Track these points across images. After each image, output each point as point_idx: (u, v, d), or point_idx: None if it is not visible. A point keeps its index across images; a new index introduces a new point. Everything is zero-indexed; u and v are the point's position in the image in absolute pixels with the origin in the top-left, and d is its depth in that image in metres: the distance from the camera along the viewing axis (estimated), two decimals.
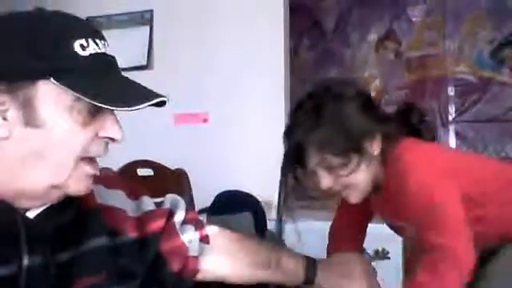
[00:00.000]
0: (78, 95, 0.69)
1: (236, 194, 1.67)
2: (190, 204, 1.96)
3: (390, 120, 1.06)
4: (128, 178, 1.79)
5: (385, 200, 1.07)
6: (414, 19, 2.74)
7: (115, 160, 1.89)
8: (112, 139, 0.77)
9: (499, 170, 1.10)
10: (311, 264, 1.03)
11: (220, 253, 1.01)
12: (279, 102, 2.67)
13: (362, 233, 1.24)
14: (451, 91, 2.68)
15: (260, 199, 1.98)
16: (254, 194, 1.94)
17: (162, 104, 0.78)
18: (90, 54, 0.72)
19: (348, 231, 1.22)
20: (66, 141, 0.72)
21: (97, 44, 0.74)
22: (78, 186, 0.75)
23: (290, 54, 2.80)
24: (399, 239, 1.97)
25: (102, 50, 0.75)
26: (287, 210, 1.15)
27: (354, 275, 1.03)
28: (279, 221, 1.14)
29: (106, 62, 0.76)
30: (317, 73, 3.16)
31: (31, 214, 0.76)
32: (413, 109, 1.10)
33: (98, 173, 0.79)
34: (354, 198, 1.05)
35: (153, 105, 0.77)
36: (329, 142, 0.99)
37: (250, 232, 1.55)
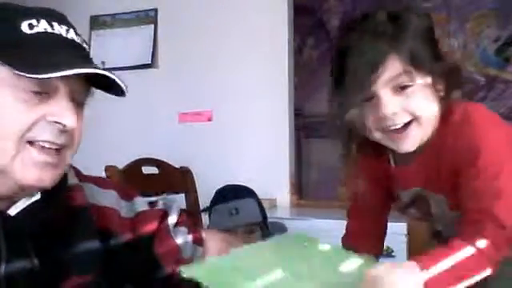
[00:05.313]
0: (11, 68, 0.68)
1: (235, 186, 1.70)
2: (194, 202, 1.97)
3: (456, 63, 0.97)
4: (133, 176, 1.79)
5: (422, 168, 0.97)
6: None
7: (120, 158, 1.90)
8: (63, 125, 0.73)
9: None
10: None
11: (213, 255, 0.99)
12: (283, 101, 2.67)
13: (379, 241, 1.16)
14: None
15: (263, 198, 1.98)
16: (258, 192, 1.94)
17: (118, 90, 0.75)
18: (37, 33, 0.71)
19: (363, 241, 1.13)
20: (7, 118, 0.70)
21: (51, 25, 0.72)
22: (24, 172, 0.71)
23: (294, 53, 2.80)
24: (404, 238, 1.97)
25: (58, 32, 0.73)
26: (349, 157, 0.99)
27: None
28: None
29: (54, 40, 0.73)
30: (321, 72, 3.15)
31: (12, 212, 0.74)
32: (458, 70, 0.98)
33: (52, 162, 0.74)
34: (413, 138, 0.90)
35: (111, 91, 0.75)
36: (418, 52, 0.86)
37: (258, 216, 1.58)
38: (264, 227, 1.58)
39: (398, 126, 0.89)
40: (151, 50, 2.86)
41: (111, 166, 1.78)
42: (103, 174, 1.70)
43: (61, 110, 0.72)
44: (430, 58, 0.88)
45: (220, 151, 2.68)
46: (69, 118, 0.73)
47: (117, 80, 0.74)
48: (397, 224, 1.50)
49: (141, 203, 0.95)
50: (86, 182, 0.88)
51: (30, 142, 0.71)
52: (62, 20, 0.75)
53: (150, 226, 0.93)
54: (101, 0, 2.96)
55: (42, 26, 0.71)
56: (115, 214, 0.90)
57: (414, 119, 0.89)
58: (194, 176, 2.05)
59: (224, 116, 2.72)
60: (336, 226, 1.29)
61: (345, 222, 1.22)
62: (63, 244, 0.78)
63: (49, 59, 0.70)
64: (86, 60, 0.76)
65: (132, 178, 1.75)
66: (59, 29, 0.73)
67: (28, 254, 0.73)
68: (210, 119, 2.76)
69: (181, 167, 2.05)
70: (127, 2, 2.92)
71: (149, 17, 2.91)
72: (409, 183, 1.03)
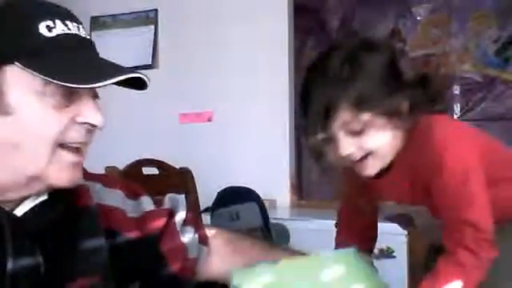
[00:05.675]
0: (43, 77, 0.67)
1: (237, 189, 1.69)
2: (194, 202, 1.97)
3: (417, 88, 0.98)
4: (133, 176, 1.79)
5: (399, 180, 1.00)
6: (418, 18, 2.73)
7: (120, 159, 1.90)
8: (92, 125, 0.73)
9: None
10: None
11: (217, 254, 1.00)
12: (283, 101, 2.67)
13: (372, 222, 1.17)
14: (456, 90, 2.66)
15: (263, 198, 1.98)
16: (258, 193, 1.94)
17: (142, 85, 0.75)
18: (58, 35, 0.69)
19: (355, 223, 1.15)
20: (39, 126, 0.69)
21: (66, 25, 0.71)
22: (59, 175, 0.71)
23: (295, 53, 2.80)
24: (404, 238, 1.97)
25: (73, 31, 0.71)
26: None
27: None
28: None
29: (75, 41, 0.72)
30: None
31: (19, 212, 0.73)
32: (429, 77, 1.00)
33: (82, 161, 0.75)
34: (371, 169, 0.95)
35: (134, 87, 0.74)
36: (368, 98, 0.89)
37: (259, 221, 1.58)
38: (265, 231, 1.58)
39: (356, 160, 0.94)
40: (151, 51, 2.87)
41: (111, 167, 1.78)
42: None
43: (88, 110, 0.72)
44: (384, 96, 0.91)
45: (220, 152, 2.68)
46: (98, 118, 0.73)
47: (144, 78, 0.74)
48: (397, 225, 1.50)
49: (147, 202, 0.94)
50: (91, 180, 0.87)
51: (61, 145, 0.71)
52: (71, 16, 0.73)
53: (157, 224, 0.93)
54: (101, 1, 2.97)
55: (59, 27, 0.70)
56: (121, 213, 0.89)
57: (370, 153, 0.94)
58: (195, 177, 2.05)
59: (224, 116, 2.72)
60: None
61: None
62: (69, 244, 0.78)
63: (85, 66, 0.70)
64: (106, 60, 0.76)
65: (132, 179, 1.74)
66: (72, 27, 0.72)
67: (34, 254, 0.72)
68: (210, 120, 2.76)
69: (181, 168, 2.05)
70: (127, 3, 2.92)
71: (149, 17, 2.91)
72: (387, 196, 1.07)
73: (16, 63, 0.67)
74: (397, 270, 1.84)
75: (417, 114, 0.95)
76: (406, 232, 1.93)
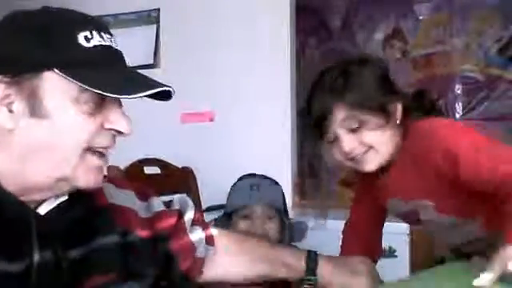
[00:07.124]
0: (82, 85, 0.69)
1: (262, 174, 1.63)
2: (196, 202, 1.97)
3: (407, 95, 1.11)
4: (135, 176, 1.80)
5: (400, 177, 1.07)
6: (420, 17, 2.73)
7: (122, 158, 1.91)
8: (118, 132, 0.76)
9: None
10: (312, 256, 1.04)
11: (222, 254, 1.02)
12: (285, 100, 2.67)
13: (377, 234, 1.25)
14: (458, 89, 2.66)
15: None
16: None
17: (167, 96, 0.77)
18: (94, 46, 0.72)
19: (362, 233, 1.22)
20: (72, 131, 0.72)
21: (101, 37, 0.74)
22: (86, 178, 0.75)
23: (297, 53, 2.80)
24: (406, 237, 1.97)
25: (107, 43, 0.75)
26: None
27: (358, 272, 1.04)
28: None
29: (110, 53, 0.75)
30: None
31: (42, 211, 0.76)
32: (425, 93, 1.14)
33: (106, 165, 0.78)
34: (372, 163, 1.06)
35: (158, 97, 0.76)
36: (359, 100, 1.03)
37: (279, 202, 1.51)
38: (284, 217, 1.51)
39: (358, 156, 1.06)
40: (153, 50, 2.87)
41: (113, 166, 1.78)
42: None
43: (116, 116, 0.75)
44: (373, 98, 1.04)
45: (222, 151, 2.68)
46: (125, 125, 0.76)
47: (171, 90, 0.76)
48: (399, 224, 1.50)
49: (157, 203, 0.97)
50: (104, 181, 0.89)
51: (88, 149, 0.74)
52: (105, 28, 0.77)
53: (167, 224, 0.95)
54: (103, 0, 2.96)
55: (96, 38, 0.73)
56: (133, 213, 0.91)
57: (370, 148, 1.05)
58: (196, 176, 2.05)
59: (226, 116, 2.72)
60: (339, 227, 1.30)
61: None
62: (87, 242, 0.80)
63: (119, 77, 0.74)
64: (137, 72, 0.78)
65: (134, 179, 1.75)
66: (106, 39, 0.75)
67: (56, 250, 0.75)
68: (212, 119, 2.76)
69: (183, 167, 2.05)
70: (129, 3, 2.92)
71: (151, 17, 2.91)
72: (394, 193, 1.12)
73: (55, 70, 0.69)
74: (398, 269, 1.85)
75: (411, 115, 1.07)
76: (408, 231, 1.93)
